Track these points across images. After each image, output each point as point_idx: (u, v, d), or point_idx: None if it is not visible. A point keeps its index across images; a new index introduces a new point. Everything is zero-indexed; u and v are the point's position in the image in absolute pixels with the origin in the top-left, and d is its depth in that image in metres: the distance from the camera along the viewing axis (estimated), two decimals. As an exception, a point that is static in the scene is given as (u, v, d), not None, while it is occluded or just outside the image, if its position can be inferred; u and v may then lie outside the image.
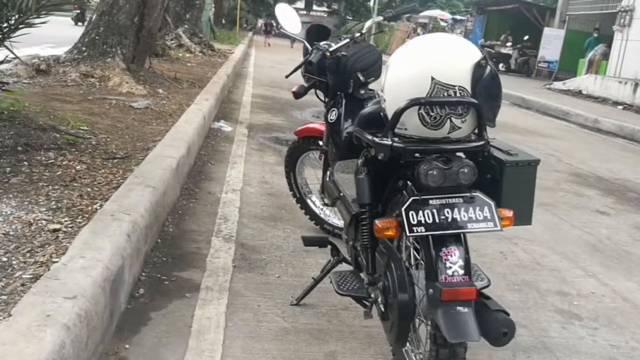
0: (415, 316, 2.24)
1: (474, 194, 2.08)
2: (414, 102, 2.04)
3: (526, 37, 20.97)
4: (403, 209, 2.02)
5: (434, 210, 2.03)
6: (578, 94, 15.96)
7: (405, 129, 2.15)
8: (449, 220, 2.02)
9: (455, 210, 2.04)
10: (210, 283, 3.07)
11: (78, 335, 2.02)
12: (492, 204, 2.07)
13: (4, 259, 2.49)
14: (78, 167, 3.83)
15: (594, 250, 4.29)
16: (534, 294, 3.43)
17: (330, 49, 3.10)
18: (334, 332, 2.76)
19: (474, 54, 2.12)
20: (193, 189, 4.60)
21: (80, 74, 7.18)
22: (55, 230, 2.84)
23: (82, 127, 4.84)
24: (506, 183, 2.25)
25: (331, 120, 3.20)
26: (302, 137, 3.74)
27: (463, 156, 2.15)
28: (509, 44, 21.51)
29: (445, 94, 2.06)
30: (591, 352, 2.86)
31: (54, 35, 12.75)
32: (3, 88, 4.46)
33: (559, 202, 5.53)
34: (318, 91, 3.35)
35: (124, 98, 6.54)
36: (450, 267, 2.01)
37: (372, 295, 2.38)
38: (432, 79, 2.05)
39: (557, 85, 17.10)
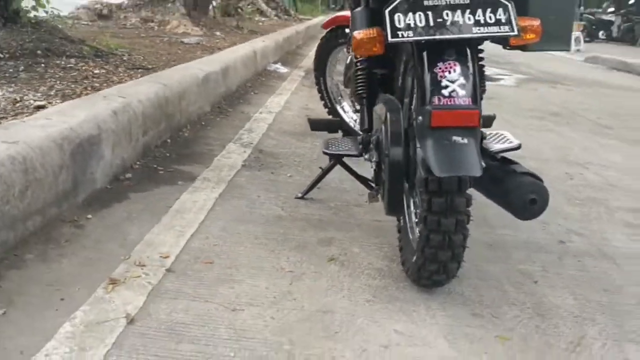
0: (412, 178, 1.79)
1: None
2: None
3: (632, 1, 19.14)
4: (387, 11, 1.56)
5: (429, 12, 1.55)
6: (688, 60, 14.40)
7: None
8: (448, 23, 1.54)
9: (458, 12, 1.55)
10: (210, 175, 2.73)
11: (4, 175, 1.72)
12: (510, 4, 1.56)
13: (-33, 121, 2.25)
14: (96, 71, 3.60)
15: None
16: (599, 209, 2.84)
17: None
18: (338, 222, 2.34)
19: None
20: (226, 108, 4.28)
21: (141, 19, 7.09)
22: (39, 107, 2.59)
23: (120, 49, 4.63)
24: None
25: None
26: (331, 28, 3.30)
27: None
28: (610, 9, 19.73)
29: None
30: (664, 262, 2.28)
31: None
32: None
33: (649, 140, 4.78)
34: None
35: (177, 36, 6.36)
36: (447, 86, 1.54)
37: (366, 156, 1.94)
38: None
39: (665, 52, 15.52)
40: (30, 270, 1.72)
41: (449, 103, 1.52)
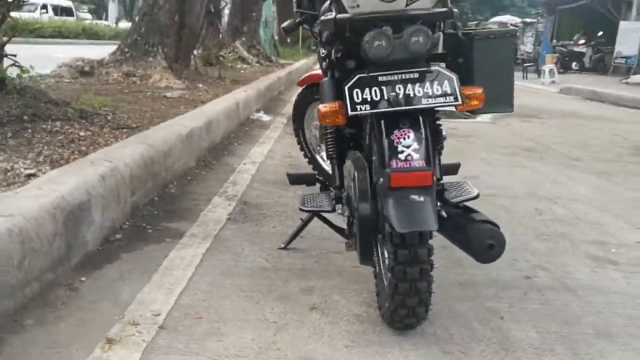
0: (382, 230, 1.95)
1: (433, 68, 1.78)
2: None
3: (600, 33, 19.85)
4: (347, 87, 1.76)
5: (383, 88, 1.75)
6: (658, 85, 14.85)
7: (357, 6, 1.89)
8: (400, 96, 1.74)
9: (409, 86, 1.75)
10: (197, 231, 2.88)
11: (3, 247, 1.86)
12: (454, 77, 1.77)
13: (-37, 194, 2.38)
14: (82, 134, 3.75)
15: (649, 208, 3.78)
16: (565, 243, 3.01)
17: None
18: (319, 271, 2.49)
19: None
20: (211, 161, 4.45)
21: (123, 74, 7.24)
22: (30, 175, 2.73)
23: (104, 108, 4.79)
24: (477, 60, 1.93)
25: (323, 54, 2.95)
26: (306, 85, 3.50)
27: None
28: (581, 41, 20.43)
29: None
30: (623, 292, 2.45)
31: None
32: (14, 62, 4.43)
33: (616, 170, 4.98)
34: (312, 28, 3.11)
35: (160, 90, 6.53)
36: (403, 151, 1.72)
37: (339, 211, 2.11)
38: None
39: (635, 78, 15.97)
40: (30, 334, 1.85)
41: (405, 166, 1.70)
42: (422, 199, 1.68)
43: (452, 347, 1.92)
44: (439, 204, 1.89)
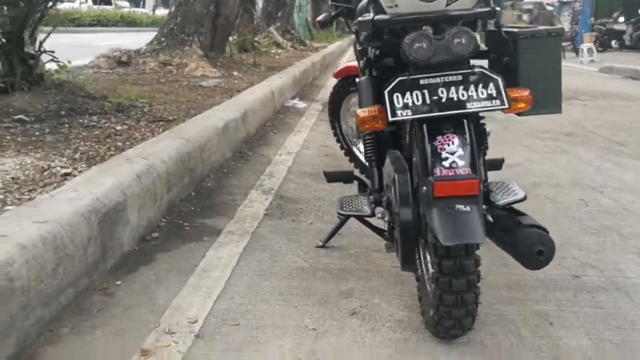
0: (424, 235, 1.86)
1: (477, 69, 1.67)
2: None
3: (640, 10, 19.14)
4: (386, 92, 1.66)
5: (425, 91, 1.65)
6: None
7: (396, 6, 1.79)
8: (443, 100, 1.64)
9: (452, 89, 1.65)
10: (234, 228, 2.83)
11: (37, 256, 1.83)
12: (499, 78, 1.66)
13: (0, 197, 2.37)
14: (118, 128, 3.74)
15: None
16: (614, 236, 2.87)
17: None
18: (358, 271, 2.41)
19: None
20: (246, 152, 4.41)
21: (159, 63, 7.25)
22: (65, 175, 2.72)
23: (140, 100, 4.78)
24: (523, 60, 1.82)
25: (360, 49, 2.85)
26: (342, 77, 3.41)
27: None
28: (621, 19, 19.72)
29: None
30: (681, 293, 2.30)
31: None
32: (52, 57, 4.44)
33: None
34: (347, 20, 3.01)
35: (196, 80, 6.51)
36: (447, 158, 1.62)
37: (378, 215, 2.02)
38: None
39: (680, 54, 15.38)
40: (65, 344, 1.82)
41: (449, 174, 1.60)
42: (468, 208, 1.58)
43: (500, 357, 1.82)
44: (484, 207, 1.78)
